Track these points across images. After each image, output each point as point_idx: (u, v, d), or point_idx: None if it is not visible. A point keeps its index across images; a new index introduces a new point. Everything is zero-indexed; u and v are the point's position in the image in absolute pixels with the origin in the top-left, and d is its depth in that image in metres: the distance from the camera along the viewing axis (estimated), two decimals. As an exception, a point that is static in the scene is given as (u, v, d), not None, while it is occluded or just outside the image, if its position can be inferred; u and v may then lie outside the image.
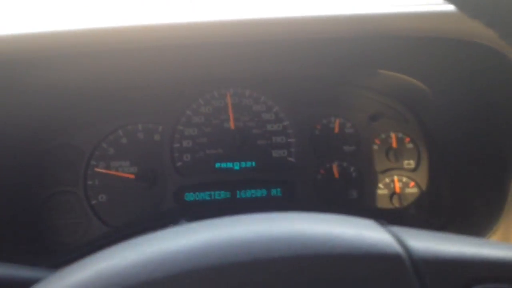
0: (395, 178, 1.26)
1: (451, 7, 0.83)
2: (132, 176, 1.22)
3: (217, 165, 1.26)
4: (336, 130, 1.28)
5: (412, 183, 1.27)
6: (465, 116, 1.10)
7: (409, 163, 1.27)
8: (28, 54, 0.87)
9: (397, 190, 1.25)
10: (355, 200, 1.26)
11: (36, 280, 0.48)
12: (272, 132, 1.28)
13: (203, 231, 0.43)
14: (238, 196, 1.25)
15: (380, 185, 1.27)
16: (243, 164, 1.26)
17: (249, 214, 0.46)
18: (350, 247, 0.40)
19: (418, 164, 1.27)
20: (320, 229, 0.42)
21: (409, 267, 0.39)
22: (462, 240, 0.43)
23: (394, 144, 1.27)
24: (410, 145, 1.28)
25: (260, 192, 1.25)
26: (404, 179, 1.27)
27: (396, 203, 1.24)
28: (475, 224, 1.01)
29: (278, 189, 1.25)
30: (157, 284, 0.38)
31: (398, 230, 0.44)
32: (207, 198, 1.25)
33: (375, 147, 1.28)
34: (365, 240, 0.41)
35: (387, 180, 1.27)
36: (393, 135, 1.28)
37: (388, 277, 0.39)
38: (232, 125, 1.26)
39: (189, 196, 1.24)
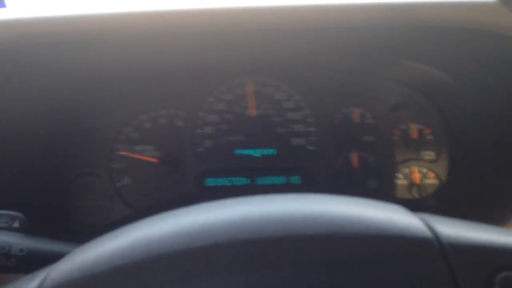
0: (415, 169, 1.26)
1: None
2: (155, 160, 1.25)
3: (238, 151, 1.28)
4: (356, 120, 1.29)
5: (432, 174, 1.26)
6: (487, 108, 1.09)
7: (429, 154, 1.27)
8: (55, 37, 0.88)
9: (417, 181, 1.25)
10: (374, 190, 1.26)
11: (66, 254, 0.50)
12: (293, 120, 1.28)
13: (241, 206, 0.45)
14: (257, 183, 1.26)
15: (400, 176, 1.27)
16: (263, 152, 1.28)
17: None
18: (381, 229, 0.41)
19: (438, 155, 1.27)
20: (352, 211, 0.43)
21: (438, 251, 0.39)
22: (490, 228, 0.44)
23: (414, 135, 1.27)
24: (430, 137, 1.28)
25: (279, 180, 1.26)
26: (424, 170, 1.26)
27: (415, 194, 1.23)
28: (494, 215, 1.01)
29: (297, 177, 1.26)
30: (190, 254, 0.40)
31: (427, 216, 0.45)
32: (227, 183, 1.26)
33: (395, 137, 1.28)
34: (396, 224, 0.41)
35: (406, 170, 1.26)
36: (413, 126, 1.27)
37: (417, 260, 0.40)
38: (253, 112, 1.27)
39: (210, 182, 1.26)
